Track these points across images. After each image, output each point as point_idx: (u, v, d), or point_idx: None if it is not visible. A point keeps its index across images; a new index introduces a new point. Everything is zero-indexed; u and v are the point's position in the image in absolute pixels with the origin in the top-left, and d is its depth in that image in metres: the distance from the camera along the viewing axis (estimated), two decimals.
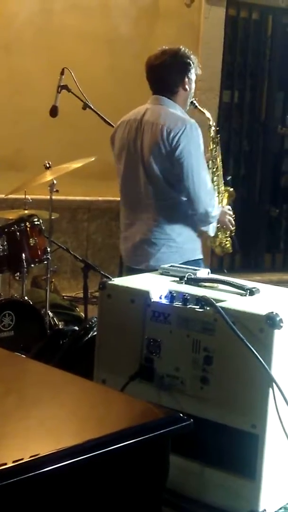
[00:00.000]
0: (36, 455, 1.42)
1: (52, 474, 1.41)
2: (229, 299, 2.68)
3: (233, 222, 4.01)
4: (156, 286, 2.80)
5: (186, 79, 3.68)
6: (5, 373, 1.96)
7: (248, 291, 2.78)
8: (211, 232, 3.79)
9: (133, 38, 6.35)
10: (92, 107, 4.47)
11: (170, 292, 2.73)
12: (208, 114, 4.05)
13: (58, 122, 4.87)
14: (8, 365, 2.05)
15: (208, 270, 3.08)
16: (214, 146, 4.07)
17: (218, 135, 4.09)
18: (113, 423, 1.65)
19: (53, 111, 4.68)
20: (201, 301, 2.64)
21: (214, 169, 4.04)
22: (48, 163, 4.74)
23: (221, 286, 2.86)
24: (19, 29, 5.99)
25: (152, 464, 1.66)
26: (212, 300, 2.61)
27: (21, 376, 1.99)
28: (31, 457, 1.41)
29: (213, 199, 3.66)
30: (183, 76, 3.67)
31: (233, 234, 4.11)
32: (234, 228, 4.06)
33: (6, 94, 5.93)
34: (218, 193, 4.03)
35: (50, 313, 4.73)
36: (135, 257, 3.72)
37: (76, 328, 4.12)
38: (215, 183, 4.03)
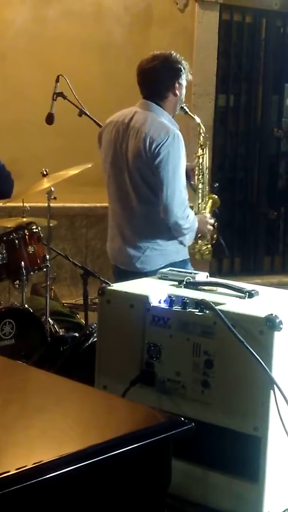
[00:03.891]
0: (39, 462, 1.42)
1: (55, 480, 1.41)
2: (228, 302, 2.68)
3: (212, 230, 4.00)
4: (155, 290, 2.80)
5: (177, 85, 3.70)
6: (6, 382, 1.96)
7: (247, 293, 2.79)
8: (186, 243, 3.79)
9: (127, 44, 6.37)
10: (88, 113, 4.48)
11: (169, 296, 2.73)
12: (198, 120, 4.05)
13: (54, 129, 4.88)
14: (9, 373, 2.05)
15: (207, 273, 3.08)
16: (202, 152, 4.07)
17: (207, 142, 4.09)
18: (115, 428, 1.66)
19: (49, 119, 4.69)
20: (201, 304, 2.64)
21: (200, 176, 4.04)
22: (45, 171, 4.74)
23: (220, 289, 2.86)
24: (13, 37, 6.00)
25: (155, 469, 1.66)
26: (211, 303, 2.62)
27: (23, 385, 1.99)
28: (34, 464, 1.41)
29: (186, 212, 3.65)
30: (174, 81, 3.69)
31: (220, 240, 4.10)
32: (215, 236, 4.06)
33: (1, 102, 5.94)
34: (202, 200, 4.04)
35: (50, 321, 4.73)
36: (121, 258, 3.78)
37: (77, 334, 4.12)
38: (200, 189, 4.04)
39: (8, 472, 1.38)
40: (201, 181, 4.05)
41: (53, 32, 6.13)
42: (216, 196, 4.22)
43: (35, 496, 1.40)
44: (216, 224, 4.08)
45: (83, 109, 4.51)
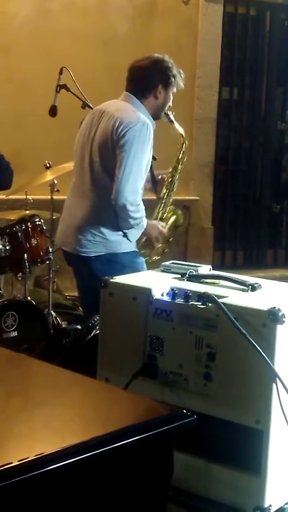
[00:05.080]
0: (41, 453, 1.42)
1: (57, 472, 1.41)
2: (231, 295, 2.69)
3: (162, 242, 3.95)
4: (158, 283, 2.80)
5: (160, 88, 3.70)
6: (9, 374, 1.97)
7: (250, 286, 2.79)
8: (131, 238, 3.72)
9: (131, 37, 6.35)
10: (91, 106, 4.48)
11: (172, 289, 2.73)
12: (182, 132, 4.02)
13: (57, 121, 4.87)
14: (12, 365, 2.05)
15: (210, 266, 3.08)
16: (178, 166, 4.05)
17: (185, 157, 4.06)
18: (117, 420, 1.66)
19: (52, 111, 4.69)
20: (203, 297, 2.64)
21: (169, 189, 4.02)
22: (48, 163, 4.75)
23: (222, 282, 2.86)
24: (16, 29, 5.99)
25: (157, 461, 1.66)
26: (214, 296, 2.62)
27: (25, 377, 1.99)
28: (36, 456, 1.41)
29: (138, 200, 3.60)
30: (157, 84, 3.71)
31: (163, 254, 4.04)
32: (165, 249, 4.03)
33: (5, 95, 5.93)
34: (162, 209, 4.00)
35: (53, 313, 4.74)
36: (65, 238, 3.80)
37: (79, 327, 4.12)
38: (164, 200, 4.01)
39: (10, 463, 1.38)
40: (167, 193, 4.02)
41: (56, 24, 6.12)
42: (180, 212, 4.19)
43: (37, 487, 1.41)
44: (171, 239, 4.06)
45: (86, 101, 4.50)
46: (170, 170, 4.06)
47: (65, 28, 6.13)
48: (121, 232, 3.69)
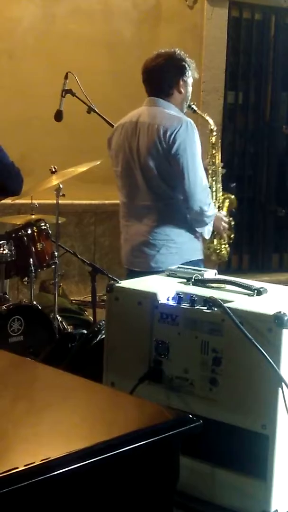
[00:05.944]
0: (47, 458, 1.42)
1: (62, 476, 1.41)
2: (237, 300, 2.68)
3: (229, 230, 4.00)
4: (163, 287, 2.80)
5: (181, 82, 3.70)
6: (15, 378, 1.97)
7: (256, 291, 2.78)
8: (206, 235, 3.75)
9: (136, 41, 6.37)
10: (96, 110, 4.49)
11: (178, 294, 2.73)
12: (209, 119, 4.04)
13: (63, 126, 4.88)
14: (18, 370, 2.05)
15: (215, 271, 3.08)
16: (215, 152, 4.06)
17: (220, 141, 4.08)
18: (123, 425, 1.66)
19: (58, 116, 4.70)
20: (209, 302, 2.64)
21: (214, 176, 4.03)
22: (54, 168, 4.75)
23: (228, 286, 2.86)
24: (22, 34, 6.01)
25: (163, 466, 1.66)
26: (219, 300, 2.61)
27: (31, 381, 1.99)
28: (42, 460, 1.42)
29: (209, 197, 3.65)
30: (178, 78, 3.69)
31: (231, 241, 4.08)
32: (231, 235, 4.05)
33: (10, 100, 5.95)
34: (216, 199, 4.02)
35: (58, 317, 4.74)
36: (135, 259, 3.72)
37: (85, 331, 4.12)
38: (213, 189, 4.02)
39: (16, 468, 1.38)
40: (215, 180, 4.04)
41: (61, 29, 6.14)
42: (233, 196, 4.20)
43: (43, 493, 1.41)
44: (233, 224, 4.07)
45: (91, 106, 4.51)
46: (209, 159, 4.06)
47: (70, 33, 6.15)
48: (192, 235, 3.68)
